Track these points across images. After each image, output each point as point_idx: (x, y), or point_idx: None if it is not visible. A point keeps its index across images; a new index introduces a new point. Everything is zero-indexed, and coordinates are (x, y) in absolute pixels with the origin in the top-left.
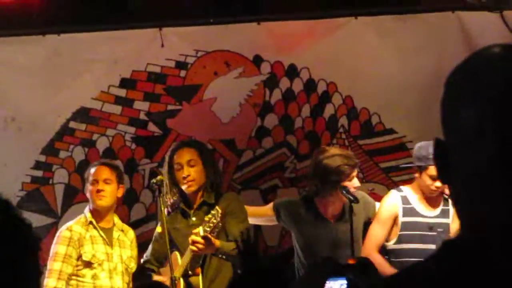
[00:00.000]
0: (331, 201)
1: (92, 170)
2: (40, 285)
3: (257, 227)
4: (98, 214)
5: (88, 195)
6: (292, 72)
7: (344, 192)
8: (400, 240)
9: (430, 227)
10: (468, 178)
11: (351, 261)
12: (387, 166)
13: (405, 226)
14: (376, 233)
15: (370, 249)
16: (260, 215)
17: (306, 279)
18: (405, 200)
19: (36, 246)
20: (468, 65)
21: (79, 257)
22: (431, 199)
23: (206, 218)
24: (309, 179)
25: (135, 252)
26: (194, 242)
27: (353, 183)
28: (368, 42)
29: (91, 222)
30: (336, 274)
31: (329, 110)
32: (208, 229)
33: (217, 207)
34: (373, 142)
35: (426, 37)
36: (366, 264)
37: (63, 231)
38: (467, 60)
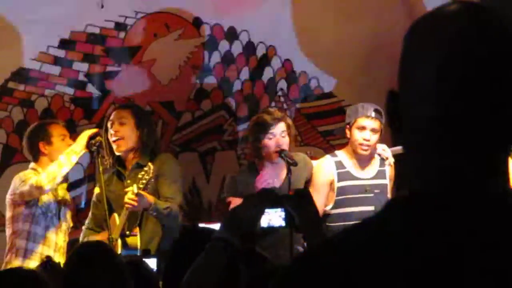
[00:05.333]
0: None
1: None
2: None
3: (195, 189)
4: None
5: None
6: (232, 34)
7: (283, 155)
8: (336, 205)
9: (366, 189)
10: (413, 136)
11: (290, 193)
12: (325, 130)
13: (341, 190)
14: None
15: None
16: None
17: (244, 208)
18: (339, 164)
19: None
20: (425, 22)
21: (36, 203)
22: (365, 161)
23: (139, 176)
24: (247, 143)
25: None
26: (128, 199)
27: (283, 141)
28: (308, 5)
29: None
30: (274, 204)
31: (268, 74)
32: (141, 186)
33: (149, 163)
34: (311, 105)
35: (364, 0)
36: (303, 196)
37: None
38: (425, 17)
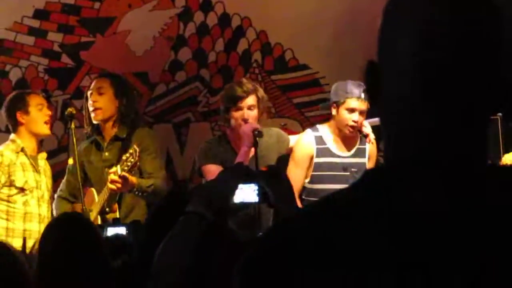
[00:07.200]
0: (239, 138)
1: None
2: None
3: (169, 161)
4: (28, 142)
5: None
6: (207, 5)
7: (256, 133)
8: (312, 180)
9: (344, 168)
10: (392, 106)
11: (263, 168)
12: (300, 101)
13: (319, 166)
14: (294, 175)
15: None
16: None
17: (218, 183)
18: (319, 140)
19: None
20: None
21: (11, 183)
22: (347, 139)
23: (124, 157)
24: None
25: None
26: (112, 181)
27: (249, 114)
28: None
29: (22, 149)
30: (248, 179)
31: (243, 45)
32: (126, 168)
33: (134, 146)
34: (286, 77)
35: None
36: (277, 172)
37: None
38: None
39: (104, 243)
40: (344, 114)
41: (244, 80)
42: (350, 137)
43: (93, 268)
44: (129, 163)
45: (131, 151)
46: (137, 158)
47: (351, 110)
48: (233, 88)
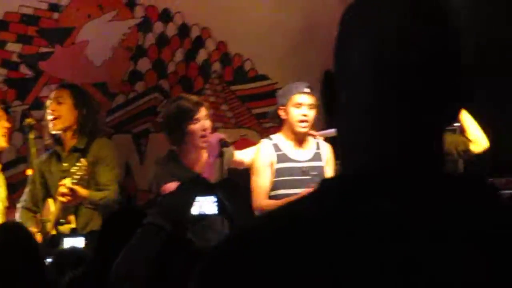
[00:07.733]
0: (194, 153)
1: None
2: None
3: (128, 170)
4: None
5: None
6: (166, 16)
7: (223, 143)
8: (275, 186)
9: (304, 171)
10: (346, 119)
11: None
12: (259, 112)
13: (279, 172)
14: (259, 183)
15: (260, 199)
16: None
17: (176, 195)
18: (276, 147)
19: None
20: (361, 4)
21: None
22: (302, 142)
23: (73, 170)
24: (167, 136)
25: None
26: (62, 194)
27: (208, 124)
28: None
29: None
30: (205, 192)
31: (202, 55)
32: (74, 181)
33: (82, 159)
34: (246, 88)
35: None
36: (235, 185)
37: None
38: None
39: (40, 253)
40: (292, 111)
41: (183, 95)
42: (304, 140)
43: (28, 276)
44: (77, 176)
45: (79, 164)
46: (84, 171)
47: (299, 105)
48: (181, 104)
